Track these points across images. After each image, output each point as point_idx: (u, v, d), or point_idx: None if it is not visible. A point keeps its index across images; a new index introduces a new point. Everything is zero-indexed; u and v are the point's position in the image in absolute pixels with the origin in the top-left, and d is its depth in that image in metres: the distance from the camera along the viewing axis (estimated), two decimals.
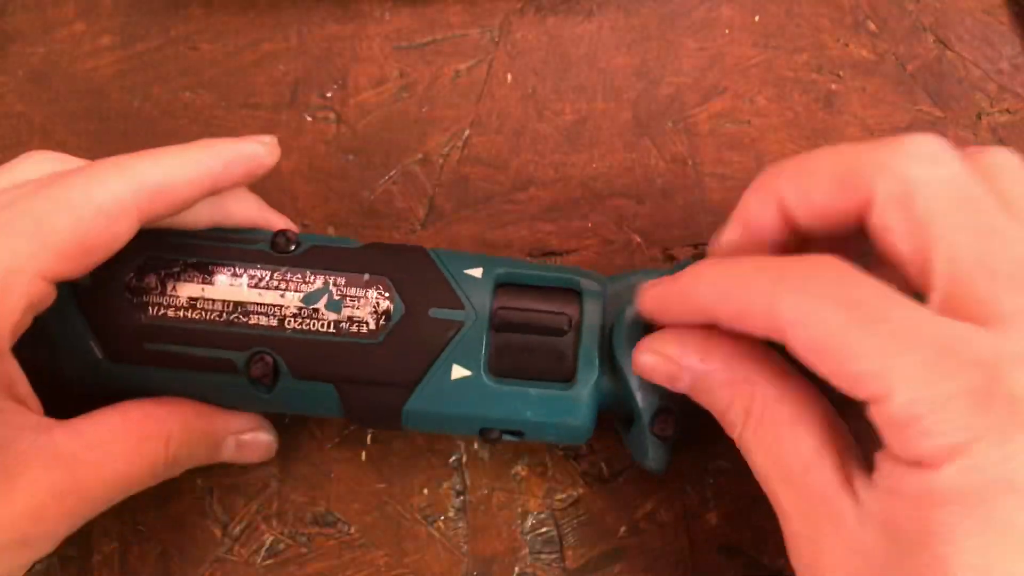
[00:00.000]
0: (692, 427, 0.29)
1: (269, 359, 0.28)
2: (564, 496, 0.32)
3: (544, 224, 0.36)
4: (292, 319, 0.29)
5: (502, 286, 0.30)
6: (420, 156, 0.37)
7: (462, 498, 0.32)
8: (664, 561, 0.31)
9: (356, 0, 0.39)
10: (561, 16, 0.39)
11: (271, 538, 0.32)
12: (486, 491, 0.32)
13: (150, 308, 0.29)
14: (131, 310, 0.29)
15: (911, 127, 0.37)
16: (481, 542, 0.32)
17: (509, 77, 0.38)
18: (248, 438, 0.31)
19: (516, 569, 0.31)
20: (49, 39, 0.38)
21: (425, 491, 0.32)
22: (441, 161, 0.37)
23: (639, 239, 0.35)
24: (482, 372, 0.29)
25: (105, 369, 0.29)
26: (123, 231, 0.27)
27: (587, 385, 0.29)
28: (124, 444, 0.27)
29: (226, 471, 0.32)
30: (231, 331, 0.29)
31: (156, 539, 0.32)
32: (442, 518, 0.32)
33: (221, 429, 0.30)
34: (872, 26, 0.39)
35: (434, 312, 0.29)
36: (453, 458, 0.33)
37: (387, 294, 0.29)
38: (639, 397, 0.28)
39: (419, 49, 0.38)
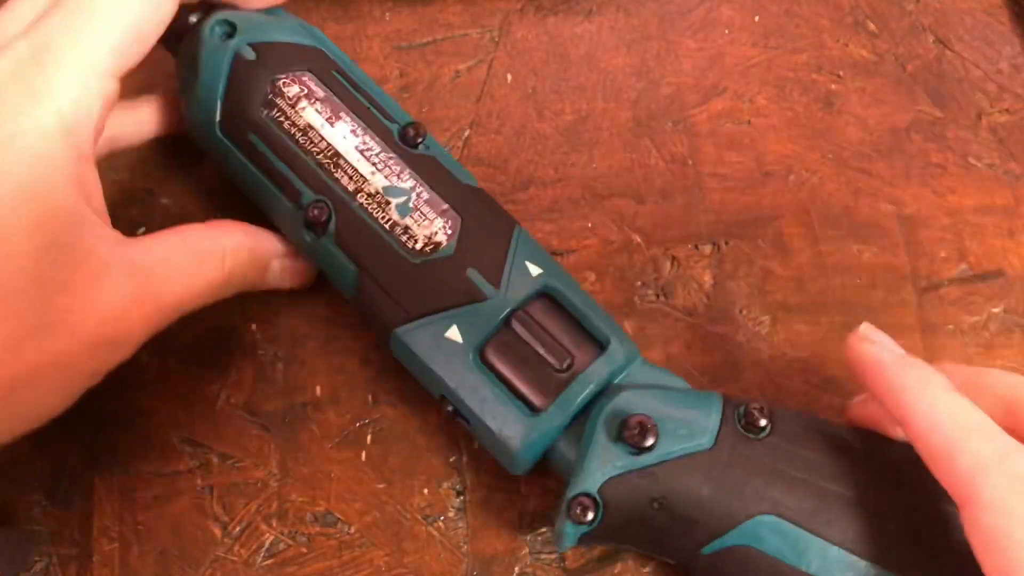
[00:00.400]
0: (618, 539, 0.28)
1: (327, 211, 0.30)
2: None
3: (544, 224, 0.36)
4: (365, 196, 0.30)
5: (545, 296, 0.30)
6: None
7: (462, 498, 0.32)
8: (664, 562, 0.31)
9: (356, 0, 0.39)
10: (561, 16, 0.39)
11: (271, 538, 0.32)
12: (486, 491, 0.32)
13: (275, 110, 0.31)
14: (261, 101, 0.31)
15: (911, 127, 0.37)
16: (481, 542, 0.32)
17: (509, 77, 0.38)
18: (291, 263, 0.32)
19: (516, 569, 0.31)
20: None
21: (425, 491, 0.32)
22: None
23: (639, 239, 0.35)
24: (472, 348, 0.29)
25: (213, 131, 0.32)
26: (168, 13, 0.29)
27: (547, 425, 0.28)
28: (187, 259, 0.29)
29: (226, 471, 0.32)
30: (316, 171, 0.31)
31: (156, 539, 0.32)
32: (442, 518, 0.32)
33: (269, 250, 0.32)
34: (872, 26, 0.39)
35: (471, 273, 0.29)
36: (453, 458, 0.33)
37: (449, 232, 0.30)
38: (577, 473, 0.27)
39: (419, 49, 0.38)
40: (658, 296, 0.35)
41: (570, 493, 0.27)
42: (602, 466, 0.27)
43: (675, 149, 0.37)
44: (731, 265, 0.35)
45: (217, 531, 0.32)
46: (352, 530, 0.32)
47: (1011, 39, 0.39)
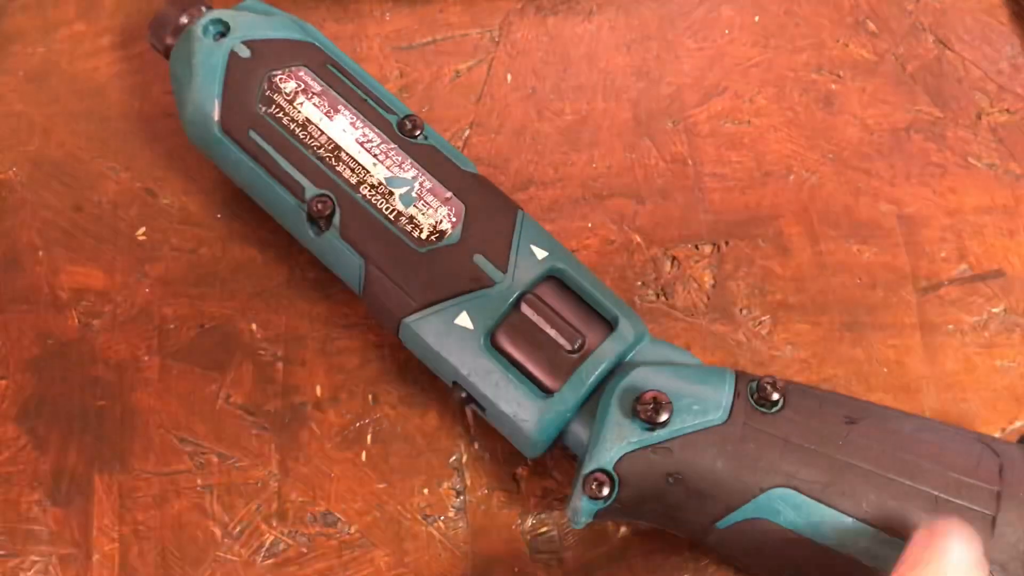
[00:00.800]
0: (633, 515, 0.29)
1: (331, 205, 0.30)
2: (564, 496, 0.32)
3: (544, 224, 0.35)
4: (368, 188, 0.31)
5: (553, 278, 0.30)
6: None
7: (462, 498, 0.32)
8: (664, 561, 0.31)
9: (356, 0, 0.39)
10: (561, 16, 0.39)
11: (271, 538, 0.32)
12: (486, 491, 0.32)
13: (273, 106, 0.31)
14: (259, 98, 0.32)
15: (911, 127, 0.37)
16: (481, 542, 0.32)
17: (509, 77, 0.38)
18: None
19: (516, 569, 0.31)
20: (49, 39, 0.38)
21: (425, 491, 0.32)
22: None
23: (639, 239, 0.35)
24: (482, 333, 0.29)
25: (212, 131, 0.32)
26: None
27: (561, 406, 0.29)
28: None
29: (226, 471, 0.32)
30: (317, 165, 0.31)
31: (156, 539, 0.32)
32: (442, 518, 0.32)
33: None
34: (872, 26, 0.39)
35: (478, 259, 0.30)
36: (453, 458, 0.33)
37: (454, 219, 0.30)
38: (592, 450, 0.28)
39: (419, 49, 0.38)
40: (658, 296, 0.35)
41: (585, 469, 0.27)
42: (617, 442, 0.27)
43: (675, 149, 0.37)
44: (731, 265, 0.35)
45: (217, 531, 0.32)
46: (352, 530, 0.32)
47: (1011, 39, 0.39)
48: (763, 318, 0.34)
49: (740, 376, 0.28)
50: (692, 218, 0.36)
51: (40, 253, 0.35)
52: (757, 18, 0.39)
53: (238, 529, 0.32)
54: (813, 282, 0.35)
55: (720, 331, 0.34)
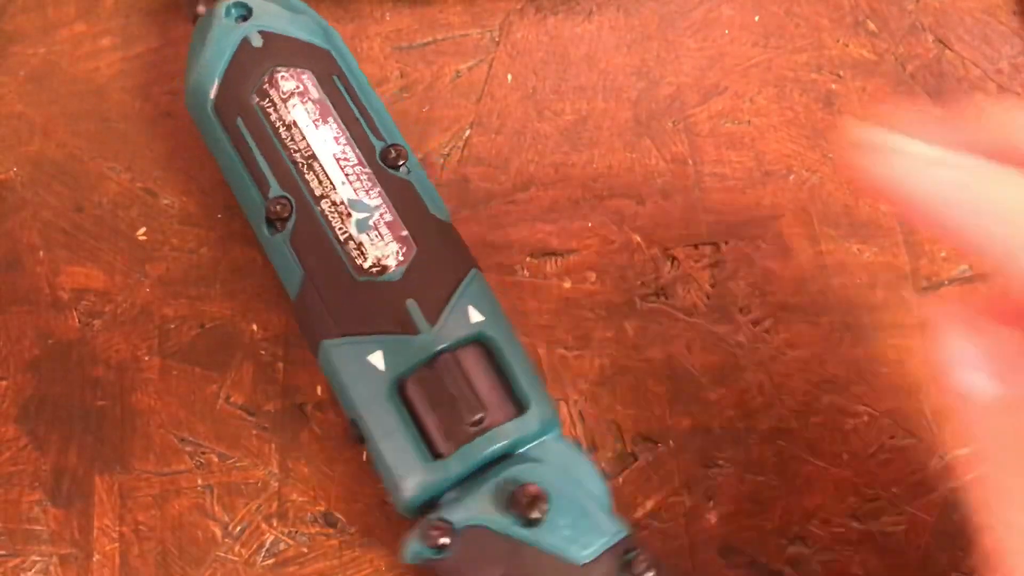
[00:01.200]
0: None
1: (289, 209, 0.30)
2: None
3: (544, 224, 0.36)
4: (329, 203, 0.30)
5: (479, 343, 0.29)
6: (420, 156, 0.37)
7: None
8: (664, 561, 0.31)
9: (356, 0, 0.39)
10: (561, 16, 0.39)
11: (272, 538, 0.32)
12: None
13: (265, 99, 0.32)
14: (255, 88, 0.32)
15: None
16: None
17: (509, 77, 0.38)
18: None
19: None
20: (49, 40, 0.38)
21: None
22: (441, 161, 0.37)
23: (639, 239, 0.36)
24: (391, 378, 0.28)
25: (206, 108, 0.32)
26: None
27: (443, 474, 0.27)
28: None
29: (226, 470, 0.32)
30: (289, 168, 0.31)
31: (156, 539, 0.32)
32: None
33: None
34: (872, 26, 0.39)
35: (410, 304, 0.29)
36: None
37: (401, 259, 0.30)
38: (455, 503, 0.27)
39: (419, 49, 0.38)
40: (658, 296, 0.35)
41: (435, 514, 0.27)
42: (479, 511, 0.27)
43: (675, 149, 0.37)
44: (731, 265, 0.35)
45: (217, 531, 0.32)
46: (353, 530, 0.32)
47: (1011, 39, 0.39)
48: (763, 318, 0.34)
49: (627, 539, 0.27)
50: (692, 218, 0.36)
51: (40, 253, 0.35)
52: (757, 18, 0.39)
53: (238, 529, 0.32)
54: (813, 282, 0.35)
55: (720, 331, 0.34)
